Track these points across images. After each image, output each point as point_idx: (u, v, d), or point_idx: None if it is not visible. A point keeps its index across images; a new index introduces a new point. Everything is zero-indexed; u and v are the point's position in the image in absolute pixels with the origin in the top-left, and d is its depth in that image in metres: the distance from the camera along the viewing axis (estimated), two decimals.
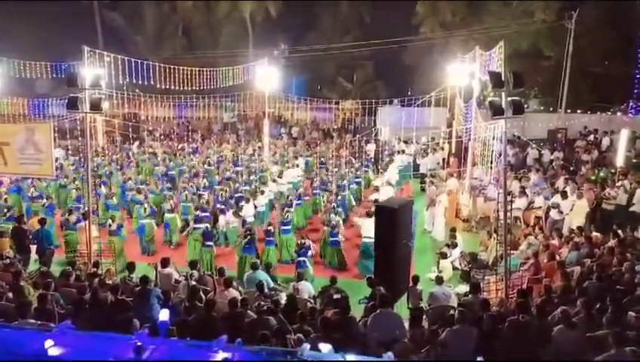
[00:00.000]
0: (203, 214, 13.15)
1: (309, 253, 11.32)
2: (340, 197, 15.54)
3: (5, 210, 13.64)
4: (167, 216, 13.96)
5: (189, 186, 16.35)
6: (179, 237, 13.85)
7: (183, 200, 15.05)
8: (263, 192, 15.22)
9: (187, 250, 12.67)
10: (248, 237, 11.59)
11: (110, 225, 12.23)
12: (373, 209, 11.65)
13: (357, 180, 18.14)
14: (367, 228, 11.63)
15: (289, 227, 12.91)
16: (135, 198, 14.96)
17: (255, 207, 14.39)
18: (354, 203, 16.55)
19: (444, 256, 11.55)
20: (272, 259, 11.59)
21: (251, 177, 18.17)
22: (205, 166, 20.16)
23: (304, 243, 11.42)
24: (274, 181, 16.97)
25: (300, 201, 15.29)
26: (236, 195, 15.50)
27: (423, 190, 18.37)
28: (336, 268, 12.05)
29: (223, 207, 14.05)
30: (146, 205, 13.69)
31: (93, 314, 7.33)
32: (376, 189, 14.33)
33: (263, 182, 17.18)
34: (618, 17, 27.08)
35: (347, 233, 13.91)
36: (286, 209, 13.65)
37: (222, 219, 13.18)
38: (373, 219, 10.88)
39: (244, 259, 11.42)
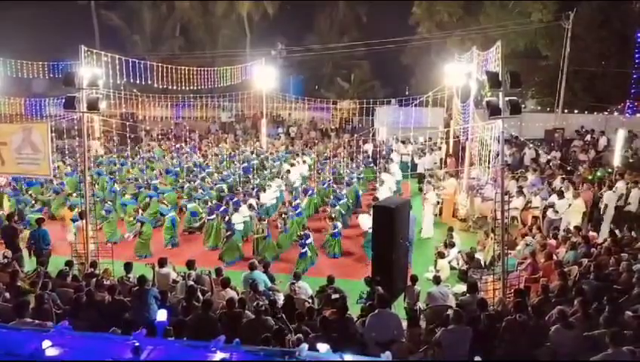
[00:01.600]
0: (215, 206, 14.05)
1: (308, 240, 12.23)
2: (346, 192, 16.15)
3: (32, 202, 14.50)
4: (190, 205, 14.76)
5: (201, 180, 17.13)
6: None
7: (199, 195, 15.58)
8: (270, 186, 16.16)
9: (203, 235, 13.99)
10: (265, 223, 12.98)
11: (142, 214, 13.58)
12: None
13: (360, 176, 18.68)
14: (368, 222, 12.46)
15: (296, 211, 14.13)
16: (150, 194, 15.70)
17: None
18: (361, 194, 17.28)
19: (441, 255, 11.57)
20: (285, 244, 13.21)
21: (265, 171, 19.25)
22: (213, 162, 20.61)
23: (305, 233, 12.40)
24: (286, 174, 18.04)
25: (311, 193, 16.31)
26: (249, 189, 16.30)
27: (421, 190, 18.39)
28: (334, 256, 13.07)
29: (236, 199, 14.61)
30: (166, 201, 14.65)
31: (90, 314, 7.32)
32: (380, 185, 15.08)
33: (269, 178, 17.97)
34: (614, 17, 27.16)
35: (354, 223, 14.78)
36: (297, 199, 15.08)
37: (236, 216, 13.50)
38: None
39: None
